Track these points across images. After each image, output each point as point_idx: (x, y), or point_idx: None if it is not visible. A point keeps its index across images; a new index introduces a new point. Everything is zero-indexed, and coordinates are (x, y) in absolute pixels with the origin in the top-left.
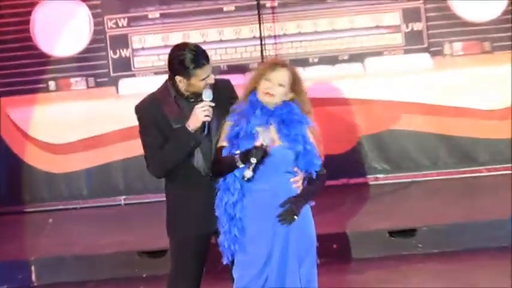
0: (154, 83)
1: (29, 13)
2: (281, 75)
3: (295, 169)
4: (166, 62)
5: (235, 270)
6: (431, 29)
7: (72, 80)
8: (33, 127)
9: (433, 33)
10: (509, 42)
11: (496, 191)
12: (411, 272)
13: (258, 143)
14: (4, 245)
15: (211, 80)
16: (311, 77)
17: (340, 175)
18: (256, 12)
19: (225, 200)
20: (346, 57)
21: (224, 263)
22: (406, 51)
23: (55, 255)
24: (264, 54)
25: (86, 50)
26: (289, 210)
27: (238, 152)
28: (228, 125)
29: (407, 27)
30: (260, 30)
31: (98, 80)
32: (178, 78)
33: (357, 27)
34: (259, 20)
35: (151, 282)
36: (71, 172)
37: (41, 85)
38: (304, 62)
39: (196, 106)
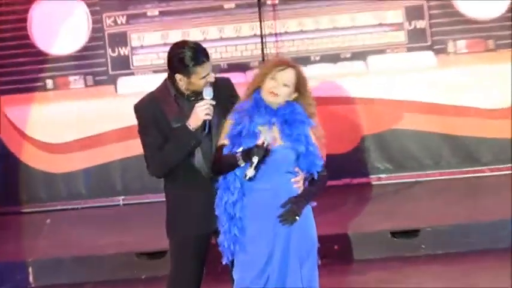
0: (153, 82)
1: (27, 11)
2: (287, 75)
3: (296, 169)
4: (166, 60)
5: (236, 271)
6: (435, 26)
7: (70, 78)
8: (31, 126)
9: (437, 31)
10: None
11: (499, 191)
12: (414, 273)
13: (259, 142)
14: (1, 246)
15: (211, 78)
16: (313, 75)
17: (342, 175)
18: (257, 9)
19: (225, 199)
20: (348, 55)
21: (224, 262)
22: (409, 49)
23: (53, 257)
24: (264, 52)
25: (84, 48)
26: (291, 210)
27: (239, 150)
28: (229, 123)
29: (410, 24)
30: (261, 28)
31: (96, 78)
32: (178, 76)
33: (359, 25)
34: (260, 17)
35: (151, 284)
36: (69, 172)
37: (38, 84)
38: (305, 60)
39: (197, 105)
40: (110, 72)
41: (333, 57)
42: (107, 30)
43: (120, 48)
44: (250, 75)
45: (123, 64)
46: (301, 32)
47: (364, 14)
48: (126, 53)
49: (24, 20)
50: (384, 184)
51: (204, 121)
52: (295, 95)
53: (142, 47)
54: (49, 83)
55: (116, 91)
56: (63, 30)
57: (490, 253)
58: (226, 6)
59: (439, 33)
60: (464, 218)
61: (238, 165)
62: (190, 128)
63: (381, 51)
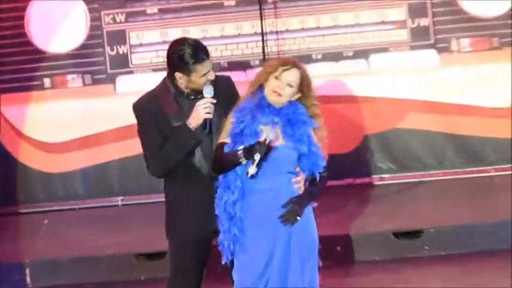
0: (152, 80)
1: (24, 8)
2: (291, 76)
3: (298, 169)
4: (165, 58)
5: (236, 272)
6: (438, 24)
7: (68, 77)
8: (28, 125)
9: (440, 28)
10: None
11: (505, 191)
12: (417, 275)
13: (262, 139)
14: None
15: (211, 76)
16: (314, 74)
17: (344, 175)
18: (257, 7)
19: (225, 198)
20: (350, 54)
21: (223, 262)
22: (412, 48)
23: (50, 258)
24: (265, 50)
25: (82, 46)
26: (292, 210)
27: (241, 148)
28: (231, 121)
29: (413, 22)
30: (262, 26)
31: (95, 77)
32: (177, 74)
33: (361, 23)
34: (261, 15)
35: (150, 286)
36: (67, 172)
37: (35, 82)
38: (307, 59)
39: (198, 103)
40: (109, 70)
41: (335, 56)
42: (105, 28)
43: (118, 47)
44: (251, 73)
45: (122, 62)
46: (303, 30)
47: (366, 11)
48: (125, 51)
49: (22, 18)
50: (387, 184)
51: (205, 120)
52: (298, 95)
53: (141, 45)
54: (46, 81)
55: (115, 90)
56: (61, 28)
57: (494, 254)
58: (226, 3)
59: (442, 31)
60: (468, 218)
61: (239, 163)
62: (191, 127)
63: (384, 50)
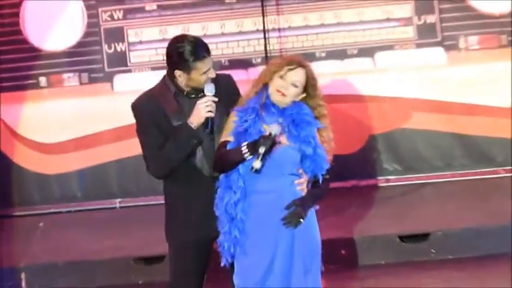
0: (151, 79)
1: (19, 5)
2: (296, 75)
3: (300, 171)
4: (165, 56)
5: (236, 275)
6: (445, 21)
7: (65, 75)
8: (23, 125)
9: (447, 26)
10: None
11: None
12: (423, 279)
13: (266, 133)
14: None
15: (212, 74)
16: (318, 72)
17: (348, 176)
18: (259, 3)
19: (226, 199)
20: (355, 52)
21: (222, 264)
22: (419, 46)
23: (46, 262)
24: (267, 48)
25: (79, 44)
26: (295, 212)
27: (245, 143)
28: (233, 120)
29: (419, 19)
30: (264, 23)
31: (92, 75)
32: (177, 72)
33: (366, 20)
34: (263, 12)
35: None
36: (63, 173)
37: (31, 81)
38: (310, 57)
39: (199, 101)
40: (106, 69)
41: (339, 54)
42: (103, 25)
43: (116, 44)
44: (252, 72)
45: (120, 61)
46: (306, 27)
47: (371, 8)
48: (123, 49)
49: (17, 15)
50: (392, 186)
51: (206, 119)
52: (303, 95)
53: (140, 42)
54: (42, 80)
55: (113, 89)
56: (57, 25)
57: (503, 258)
58: (227, 0)
59: (449, 28)
60: (476, 221)
61: (242, 161)
62: (192, 126)
63: (389, 48)
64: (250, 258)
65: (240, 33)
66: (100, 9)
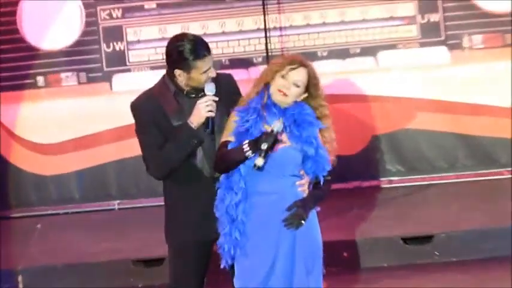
0: (151, 79)
1: (16, 3)
2: (298, 75)
3: (302, 172)
4: (164, 56)
5: (237, 277)
6: (449, 20)
7: (63, 75)
8: (20, 126)
9: (451, 25)
10: None
11: None
12: (427, 282)
13: (268, 130)
14: None
15: (212, 73)
16: (320, 71)
17: (351, 177)
18: (260, 2)
19: (227, 200)
20: (357, 51)
21: (222, 266)
22: (422, 44)
23: (44, 264)
24: (268, 47)
25: (77, 43)
26: (297, 214)
27: (246, 141)
28: (234, 120)
29: (423, 18)
30: (265, 22)
31: (90, 75)
32: (177, 71)
33: (368, 19)
34: (264, 10)
35: None
36: (61, 174)
37: (28, 81)
38: (312, 56)
39: (199, 101)
40: (105, 68)
41: (341, 53)
42: (101, 24)
43: (115, 43)
44: (253, 71)
45: (119, 60)
46: (307, 26)
47: (374, 7)
48: (122, 48)
49: (14, 13)
50: (395, 187)
51: (207, 118)
52: (305, 95)
53: (139, 41)
54: (40, 80)
55: (111, 88)
56: (54, 23)
57: (508, 260)
58: None
59: (453, 27)
60: (480, 223)
61: (244, 159)
62: (192, 126)
63: (392, 47)
64: (251, 259)
65: (241, 32)
66: (98, 8)
